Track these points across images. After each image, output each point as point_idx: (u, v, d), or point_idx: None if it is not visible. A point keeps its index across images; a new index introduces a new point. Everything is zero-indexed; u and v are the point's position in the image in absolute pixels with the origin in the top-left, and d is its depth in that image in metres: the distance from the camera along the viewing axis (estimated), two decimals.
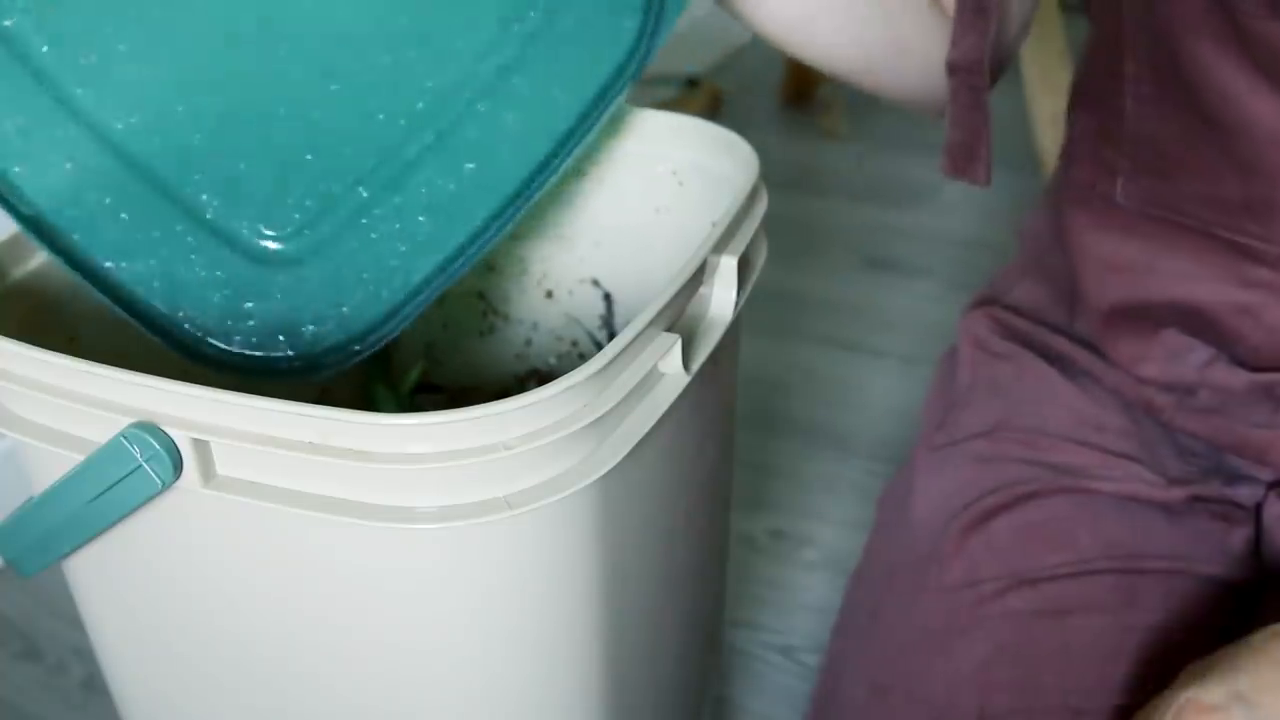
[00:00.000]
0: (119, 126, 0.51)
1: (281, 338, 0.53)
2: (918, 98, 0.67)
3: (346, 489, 0.44)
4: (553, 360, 0.76)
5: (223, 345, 0.53)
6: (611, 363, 0.44)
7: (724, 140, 0.63)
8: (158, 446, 0.44)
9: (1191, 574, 0.65)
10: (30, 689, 0.96)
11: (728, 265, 0.53)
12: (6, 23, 0.50)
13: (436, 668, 0.51)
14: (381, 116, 0.53)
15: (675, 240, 0.67)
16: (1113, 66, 0.64)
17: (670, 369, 0.49)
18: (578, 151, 0.55)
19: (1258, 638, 0.51)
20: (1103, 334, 0.67)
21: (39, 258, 0.57)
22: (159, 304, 0.52)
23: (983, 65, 0.60)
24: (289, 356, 0.53)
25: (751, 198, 0.56)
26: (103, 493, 0.46)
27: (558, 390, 0.43)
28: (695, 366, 0.50)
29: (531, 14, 0.54)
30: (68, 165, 0.51)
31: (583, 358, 0.72)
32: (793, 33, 0.62)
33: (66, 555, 0.51)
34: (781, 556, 1.10)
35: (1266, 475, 0.65)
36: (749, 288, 0.55)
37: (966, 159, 0.63)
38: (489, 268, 0.74)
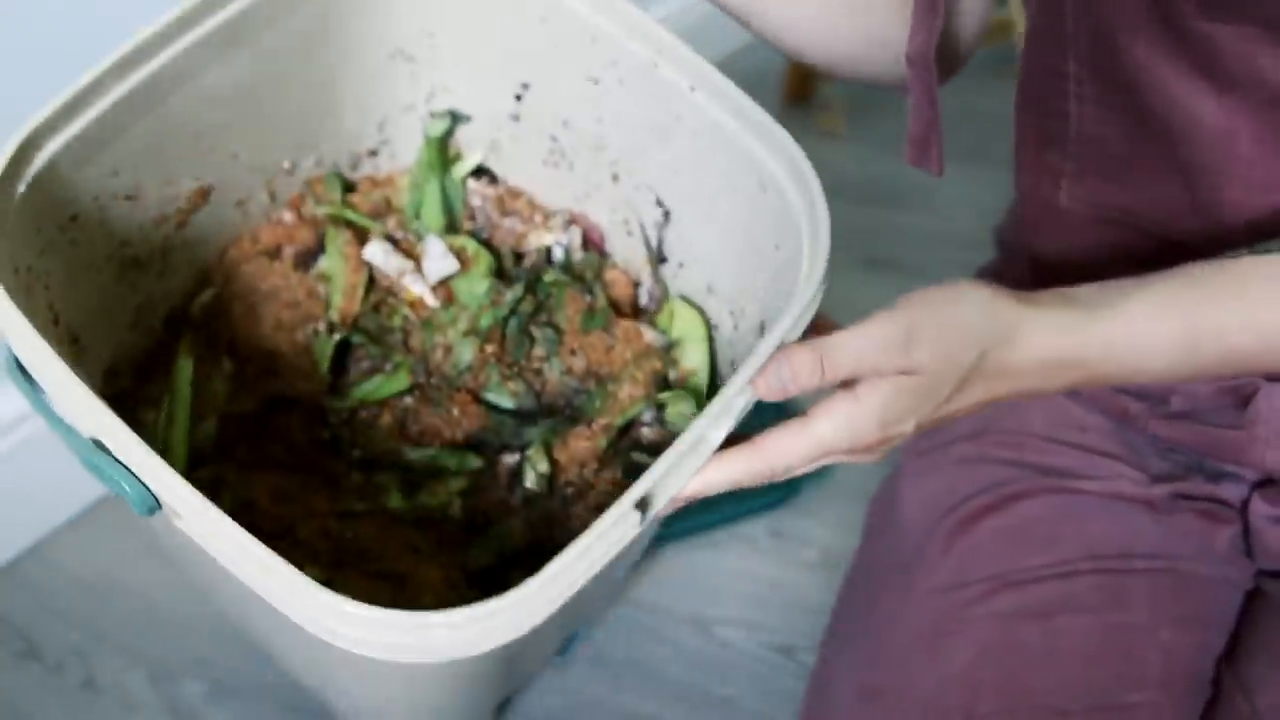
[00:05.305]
0: None
1: None
2: (896, 84, 0.68)
3: None
4: None
5: None
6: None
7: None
8: (130, 491, 0.44)
9: (1178, 573, 0.65)
10: (30, 689, 0.96)
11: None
12: None
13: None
14: None
15: None
16: (1056, 67, 0.63)
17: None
18: None
19: None
20: None
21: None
22: None
23: (931, 59, 0.61)
24: None
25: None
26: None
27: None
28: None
29: None
30: None
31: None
32: (783, 31, 0.63)
33: None
34: (781, 556, 1.10)
35: (1249, 474, 0.65)
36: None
37: (923, 149, 0.64)
38: None
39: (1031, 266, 0.70)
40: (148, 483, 0.44)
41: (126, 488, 0.44)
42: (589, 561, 0.43)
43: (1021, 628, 0.63)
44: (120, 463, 0.44)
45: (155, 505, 0.44)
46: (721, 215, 0.61)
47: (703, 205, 0.63)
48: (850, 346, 0.46)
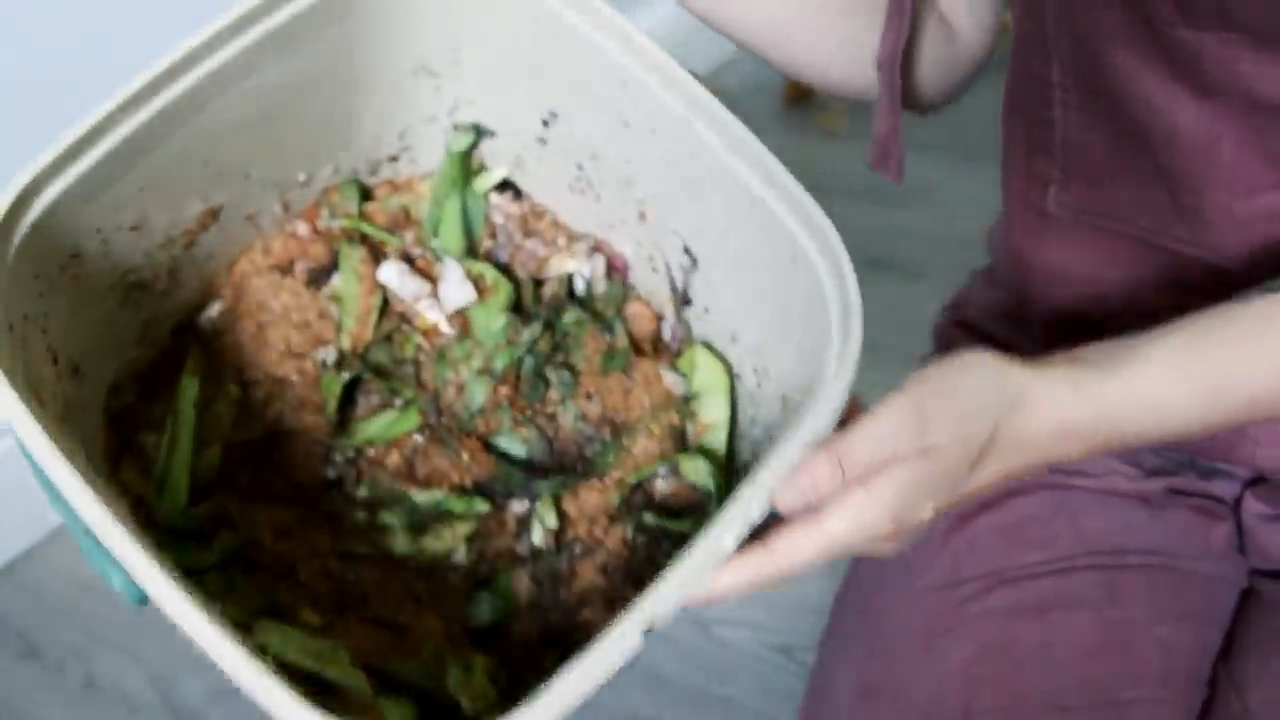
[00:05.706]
0: None
1: None
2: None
3: None
4: None
5: None
6: None
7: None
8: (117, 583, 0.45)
9: (1173, 569, 0.65)
10: (30, 689, 0.96)
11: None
12: None
13: None
14: None
15: None
16: (1041, 73, 0.63)
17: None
18: None
19: None
20: (1054, 347, 0.67)
21: None
22: None
23: (897, 64, 0.61)
24: None
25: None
26: None
27: None
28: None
29: None
30: None
31: None
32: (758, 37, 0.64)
33: None
34: None
35: (1241, 471, 0.65)
36: None
37: (884, 154, 0.63)
38: None
39: (1020, 271, 0.70)
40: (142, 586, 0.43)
41: (114, 580, 0.43)
42: (588, 679, 0.43)
43: (1018, 624, 0.63)
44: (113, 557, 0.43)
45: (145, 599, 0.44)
46: (750, 279, 0.59)
47: (731, 264, 0.61)
48: (866, 442, 0.45)
